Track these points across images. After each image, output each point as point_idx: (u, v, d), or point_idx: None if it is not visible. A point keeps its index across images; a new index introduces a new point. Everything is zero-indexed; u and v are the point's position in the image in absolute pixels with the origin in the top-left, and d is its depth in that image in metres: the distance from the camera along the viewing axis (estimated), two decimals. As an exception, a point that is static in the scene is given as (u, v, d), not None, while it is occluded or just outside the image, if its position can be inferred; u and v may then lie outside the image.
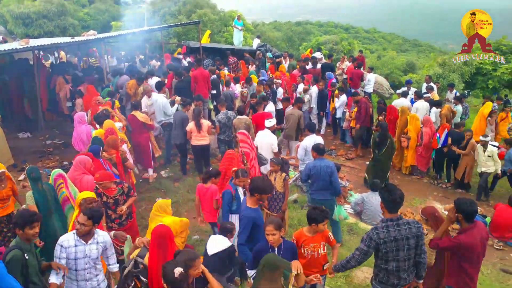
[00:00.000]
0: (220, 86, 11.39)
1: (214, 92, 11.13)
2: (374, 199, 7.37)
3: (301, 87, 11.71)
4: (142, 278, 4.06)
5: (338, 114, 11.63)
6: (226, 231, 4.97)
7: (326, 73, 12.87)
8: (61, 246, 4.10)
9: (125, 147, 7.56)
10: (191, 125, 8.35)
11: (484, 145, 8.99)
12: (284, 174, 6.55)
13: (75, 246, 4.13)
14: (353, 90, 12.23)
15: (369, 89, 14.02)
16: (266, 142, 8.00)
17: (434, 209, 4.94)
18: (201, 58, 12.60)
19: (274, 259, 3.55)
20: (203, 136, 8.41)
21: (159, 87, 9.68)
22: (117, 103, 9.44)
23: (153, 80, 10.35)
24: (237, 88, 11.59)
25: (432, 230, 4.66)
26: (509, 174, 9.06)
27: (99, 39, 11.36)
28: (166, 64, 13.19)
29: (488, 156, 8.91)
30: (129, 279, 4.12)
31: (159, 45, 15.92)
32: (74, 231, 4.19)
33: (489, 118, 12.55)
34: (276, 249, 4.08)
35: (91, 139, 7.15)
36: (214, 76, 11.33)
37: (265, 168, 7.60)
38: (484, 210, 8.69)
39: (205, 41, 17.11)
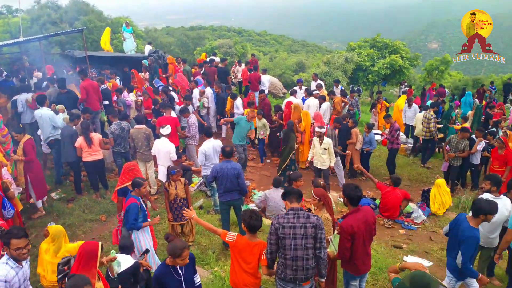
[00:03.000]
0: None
1: (107, 102, 10.53)
2: (276, 195, 7.59)
3: (196, 92, 11.66)
4: None
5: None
6: (127, 249, 4.76)
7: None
8: (5, 281, 3.68)
9: (5, 171, 6.72)
10: (80, 141, 7.76)
11: (320, 136, 8.73)
12: (183, 179, 6.45)
13: (16, 274, 3.79)
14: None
15: (265, 90, 14.48)
16: (163, 150, 7.80)
17: (323, 190, 5.38)
18: (87, 67, 11.82)
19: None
20: (95, 151, 7.89)
21: (42, 101, 8.80)
22: None
23: (23, 96, 9.23)
24: (130, 97, 11.13)
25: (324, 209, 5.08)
26: (366, 152, 9.98)
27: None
28: (49, 75, 12.11)
29: (324, 148, 8.71)
30: None
31: (39, 57, 14.58)
32: (5, 260, 3.77)
33: (373, 109, 13.89)
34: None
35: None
36: (104, 86, 10.72)
37: (164, 175, 7.42)
38: (373, 193, 9.52)
39: (107, 47, 16.23)
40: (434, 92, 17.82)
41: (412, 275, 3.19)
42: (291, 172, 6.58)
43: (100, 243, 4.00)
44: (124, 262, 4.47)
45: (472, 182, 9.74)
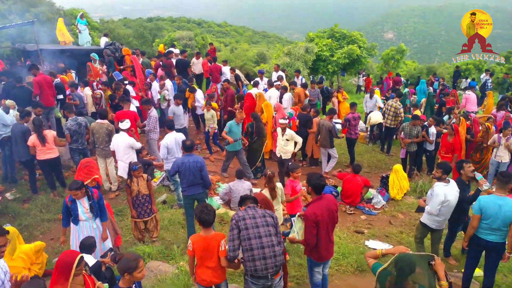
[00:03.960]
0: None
1: (61, 97, 10.12)
2: (240, 186, 7.64)
3: (156, 85, 11.42)
4: None
5: (199, 111, 11.59)
6: (88, 249, 4.62)
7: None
8: None
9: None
10: (32, 139, 7.40)
11: (284, 128, 8.80)
12: (146, 175, 6.34)
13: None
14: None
15: (228, 79, 14.35)
16: (123, 145, 7.63)
17: (263, 195, 5.69)
18: (38, 62, 11.28)
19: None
20: (49, 149, 7.56)
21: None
22: None
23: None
24: (85, 91, 10.72)
25: None
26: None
27: None
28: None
29: (287, 140, 8.80)
30: None
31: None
32: None
33: (332, 99, 14.13)
34: None
35: None
36: (58, 80, 10.28)
37: (124, 171, 7.26)
38: (335, 181, 9.73)
39: (67, 37, 15.51)
40: (390, 81, 18.41)
41: (397, 260, 3.26)
42: (290, 163, 6.53)
43: (79, 256, 3.52)
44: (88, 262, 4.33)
45: (428, 167, 10.17)
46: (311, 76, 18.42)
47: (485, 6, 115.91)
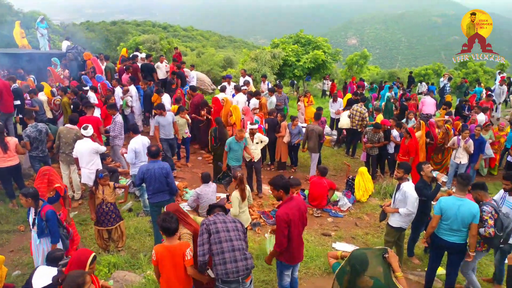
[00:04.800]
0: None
1: (18, 102, 9.70)
2: (207, 191, 7.56)
3: (118, 90, 11.18)
4: None
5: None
6: (55, 260, 4.43)
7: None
8: None
9: None
10: (-8, 146, 7.08)
11: (252, 133, 8.82)
12: (112, 183, 6.19)
13: None
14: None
15: (194, 86, 14.27)
16: (86, 151, 7.44)
17: (176, 205, 5.30)
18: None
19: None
20: (10, 156, 7.25)
21: None
22: None
23: None
24: (40, 96, 10.27)
25: None
26: (296, 144, 10.35)
27: None
28: None
29: (256, 143, 8.88)
30: None
31: None
32: None
33: (299, 103, 14.32)
34: None
35: None
36: (15, 85, 9.87)
37: (89, 178, 7.06)
38: (302, 185, 9.83)
39: (19, 42, 14.88)
40: (354, 85, 18.87)
41: (350, 258, 3.37)
42: (291, 177, 6.21)
43: (93, 254, 3.76)
44: (48, 275, 4.14)
45: (390, 170, 10.48)
46: (278, 81, 18.62)
47: (444, 14, 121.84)
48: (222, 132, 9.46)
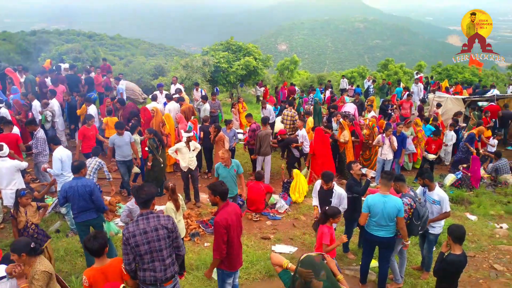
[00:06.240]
0: None
1: None
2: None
3: (36, 103, 10.47)
4: None
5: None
6: None
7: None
8: None
9: None
10: None
11: (189, 141, 8.67)
12: (35, 203, 5.75)
13: None
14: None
15: (123, 95, 13.86)
16: (5, 171, 6.89)
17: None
18: None
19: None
20: None
21: None
22: None
23: None
24: None
25: None
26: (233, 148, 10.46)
27: None
28: None
29: (192, 150, 8.78)
30: None
31: None
32: None
33: (232, 109, 14.35)
34: None
35: None
36: None
37: (12, 199, 6.51)
38: (240, 190, 9.83)
39: None
40: (286, 90, 19.36)
41: (299, 264, 3.58)
42: (330, 208, 5.55)
43: (122, 285, 3.74)
44: None
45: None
46: (215, 89, 18.54)
47: (364, 20, 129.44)
48: (161, 139, 9.12)
